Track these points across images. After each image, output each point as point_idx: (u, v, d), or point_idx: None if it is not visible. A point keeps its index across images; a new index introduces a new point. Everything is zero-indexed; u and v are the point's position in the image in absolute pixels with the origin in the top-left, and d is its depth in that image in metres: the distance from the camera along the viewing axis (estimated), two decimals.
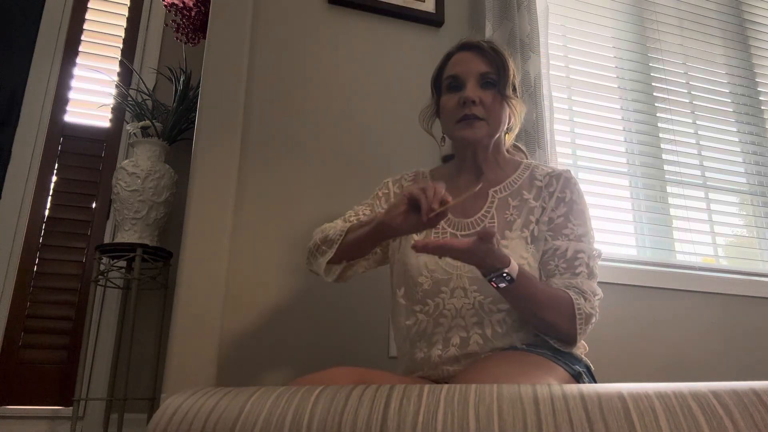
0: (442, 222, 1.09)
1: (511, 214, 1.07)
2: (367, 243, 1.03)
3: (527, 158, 1.23)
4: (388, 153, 1.61)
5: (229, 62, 1.51)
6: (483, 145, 1.11)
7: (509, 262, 0.90)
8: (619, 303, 1.72)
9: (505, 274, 0.90)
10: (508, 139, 1.18)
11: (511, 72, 1.10)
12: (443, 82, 1.13)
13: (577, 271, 1.01)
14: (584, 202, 1.09)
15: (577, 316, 0.95)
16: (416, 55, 1.70)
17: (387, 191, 1.21)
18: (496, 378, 0.82)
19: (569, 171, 1.12)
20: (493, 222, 1.07)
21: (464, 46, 1.13)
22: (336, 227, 1.09)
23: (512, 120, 1.14)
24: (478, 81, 1.08)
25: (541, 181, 1.10)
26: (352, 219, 1.15)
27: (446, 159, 1.26)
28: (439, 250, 0.88)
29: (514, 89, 1.11)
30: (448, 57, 1.15)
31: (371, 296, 1.47)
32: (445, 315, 1.02)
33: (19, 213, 2.02)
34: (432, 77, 1.18)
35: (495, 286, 0.92)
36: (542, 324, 0.97)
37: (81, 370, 1.75)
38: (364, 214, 1.16)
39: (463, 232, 1.08)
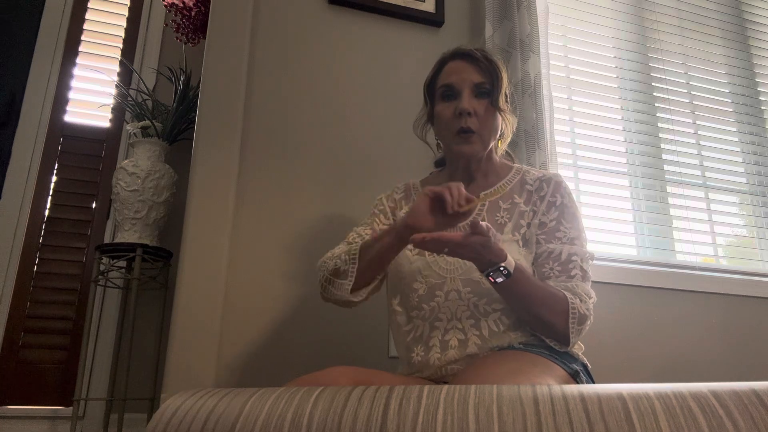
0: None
1: (502, 217, 1.09)
2: (390, 253, 1.02)
3: (514, 161, 1.24)
4: (388, 152, 1.61)
5: (229, 62, 1.51)
6: (477, 157, 1.12)
7: (506, 256, 0.91)
8: (619, 303, 1.72)
9: (502, 268, 0.90)
10: (501, 146, 1.19)
11: (505, 81, 1.11)
12: (437, 90, 1.14)
13: (571, 273, 1.02)
14: (575, 205, 1.10)
15: (571, 316, 0.96)
16: (416, 55, 1.70)
17: (383, 207, 1.21)
18: (495, 377, 0.83)
19: (559, 175, 1.13)
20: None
21: (458, 55, 1.13)
22: (342, 256, 1.06)
23: (504, 128, 1.15)
24: (473, 91, 1.09)
25: (531, 185, 1.11)
26: (357, 241, 1.13)
27: (438, 163, 1.27)
28: (437, 244, 0.88)
29: (506, 97, 1.12)
30: (442, 64, 1.15)
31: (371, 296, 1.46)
32: (441, 318, 1.03)
33: (19, 213, 2.02)
34: (425, 83, 1.18)
35: (492, 281, 0.92)
36: (537, 322, 0.98)
37: (81, 370, 1.75)
38: (366, 235, 1.16)
39: None
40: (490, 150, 1.14)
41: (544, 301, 0.96)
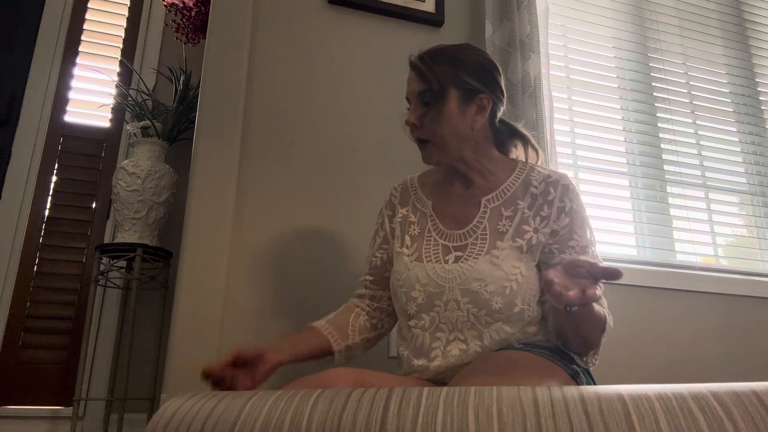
0: (433, 233, 1.08)
1: (504, 225, 1.04)
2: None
3: (531, 145, 1.15)
4: (388, 152, 1.61)
5: (229, 62, 1.51)
6: (449, 161, 1.07)
7: None
8: (619, 303, 1.71)
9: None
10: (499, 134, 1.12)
11: (454, 77, 1.03)
12: None
13: None
14: (583, 207, 1.07)
15: (605, 331, 0.97)
16: None
17: (381, 220, 1.19)
18: (495, 378, 0.82)
19: (566, 176, 1.07)
20: (485, 233, 1.04)
21: (410, 64, 1.09)
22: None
23: (480, 116, 1.05)
24: (419, 101, 1.06)
25: (536, 187, 1.05)
26: (367, 283, 1.17)
27: None
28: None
29: (481, 80, 1.04)
30: None
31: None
32: (442, 329, 1.01)
33: (19, 213, 2.02)
34: None
35: (567, 309, 0.86)
36: (580, 342, 0.98)
37: (81, 370, 1.75)
38: (367, 280, 1.18)
39: (454, 243, 1.05)
40: (480, 147, 1.07)
41: (594, 325, 0.94)
